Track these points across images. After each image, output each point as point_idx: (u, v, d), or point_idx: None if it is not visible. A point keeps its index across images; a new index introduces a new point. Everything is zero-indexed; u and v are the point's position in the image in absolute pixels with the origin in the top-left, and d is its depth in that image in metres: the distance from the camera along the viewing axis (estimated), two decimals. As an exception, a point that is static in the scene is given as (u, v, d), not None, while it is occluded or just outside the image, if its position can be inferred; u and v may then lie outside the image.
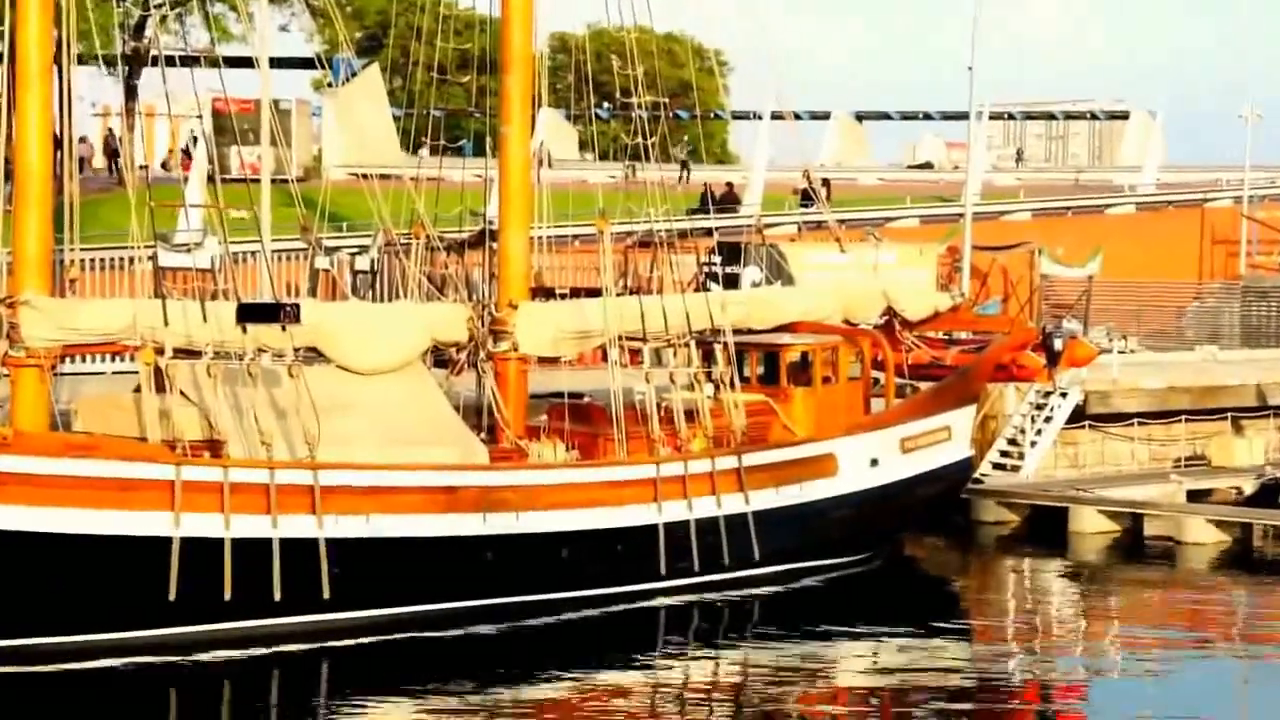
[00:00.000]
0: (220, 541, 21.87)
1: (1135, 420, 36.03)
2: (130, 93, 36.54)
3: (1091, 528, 32.44)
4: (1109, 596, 29.36)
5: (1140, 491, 33.61)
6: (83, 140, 43.24)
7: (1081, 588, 29.89)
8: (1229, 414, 37.13)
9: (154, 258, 24.41)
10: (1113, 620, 27.71)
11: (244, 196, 26.77)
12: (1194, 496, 33.95)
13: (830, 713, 21.49)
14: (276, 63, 43.43)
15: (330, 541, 22.52)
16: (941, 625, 26.62)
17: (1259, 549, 31.29)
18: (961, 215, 44.43)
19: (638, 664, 23.09)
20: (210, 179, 27.24)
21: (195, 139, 41.06)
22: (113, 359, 29.82)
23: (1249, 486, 34.70)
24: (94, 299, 25.76)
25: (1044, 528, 32.55)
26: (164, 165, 42.04)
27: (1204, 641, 26.11)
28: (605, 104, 36.28)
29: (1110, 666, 24.54)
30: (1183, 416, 36.54)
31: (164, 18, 27.69)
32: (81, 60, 25.61)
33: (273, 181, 34.68)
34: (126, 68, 27.86)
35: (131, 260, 24.96)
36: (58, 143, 23.90)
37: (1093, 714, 22.06)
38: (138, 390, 22.92)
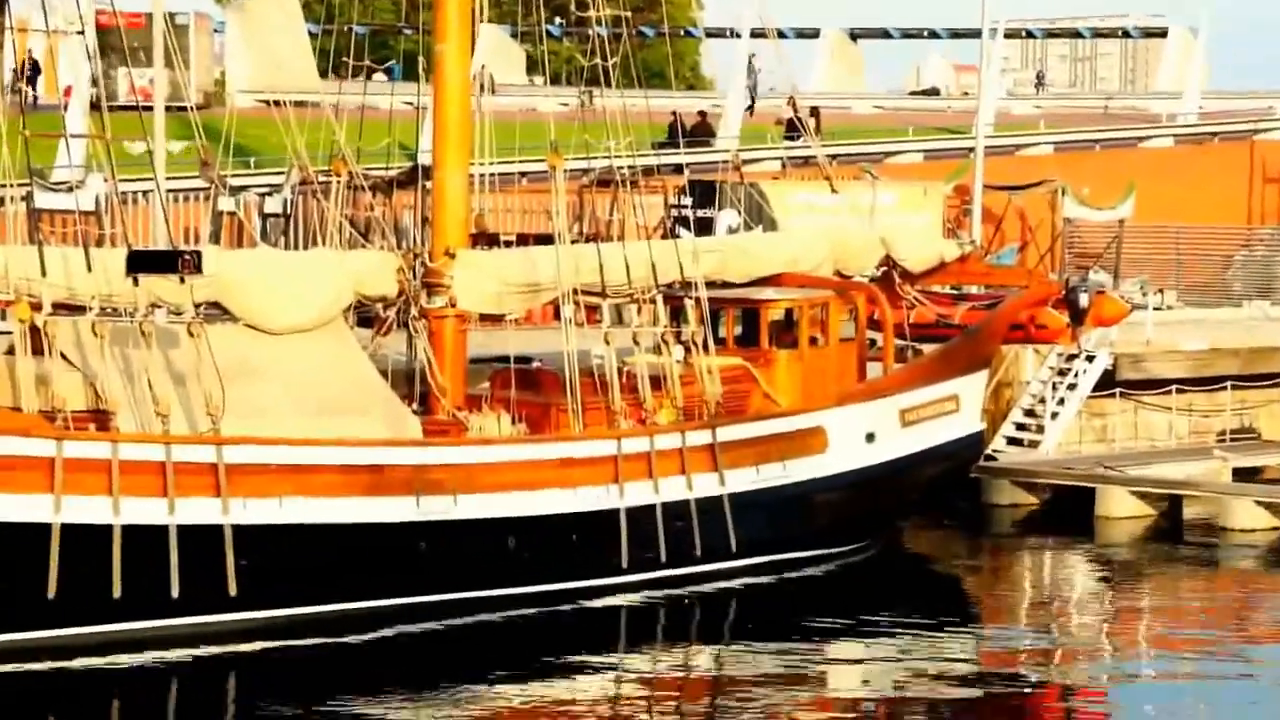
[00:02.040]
0: (108, 529, 21.94)
1: (1173, 388, 36.36)
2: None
3: (1122, 511, 32.81)
4: (1141, 591, 29.73)
5: (1179, 469, 34.00)
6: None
7: (1109, 581, 30.23)
8: (1281, 381, 37.54)
9: (28, 198, 24.43)
10: (1144, 618, 28.06)
11: (135, 126, 26.76)
12: (1241, 475, 34.31)
13: (819, 722, 21.73)
14: (171, -30, 43.25)
15: (237, 529, 22.61)
16: (946, 625, 26.88)
17: (1315, 536, 31.68)
18: (972, 150, 44.63)
19: (594, 670, 23.32)
20: (94, 106, 27.21)
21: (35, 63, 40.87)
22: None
23: (1303, 464, 35.17)
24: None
25: (1067, 511, 32.91)
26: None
27: (1250, 643, 26.42)
28: (557, 19, 36.36)
29: (1139, 671, 24.82)
30: (1228, 383, 36.89)
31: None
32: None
33: (168, 109, 34.63)
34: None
35: (1, 201, 24.91)
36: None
37: (1121, 722, 22.33)
38: (10, 352, 22.88)
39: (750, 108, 55.07)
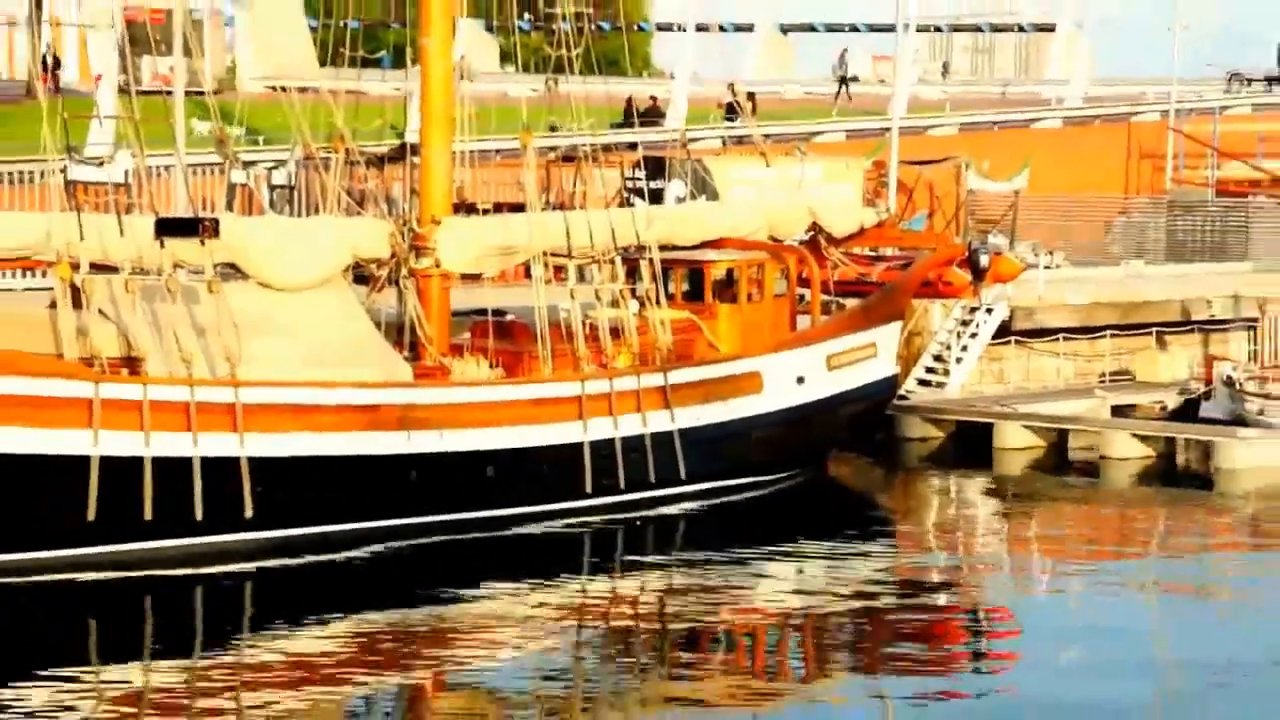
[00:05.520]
0: (140, 460, 21.93)
1: (1060, 336, 36.37)
2: (38, 2, 36.14)
3: (1016, 443, 32.86)
4: (1033, 512, 29.87)
5: (1065, 407, 34.07)
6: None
7: (1006, 504, 30.38)
8: (1153, 329, 37.55)
9: (64, 170, 24.32)
10: (1038, 535, 28.22)
11: (158, 109, 26.61)
12: (1118, 412, 34.43)
13: (754, 629, 21.85)
14: (188, -30, 42.93)
15: (252, 460, 22.61)
16: (866, 543, 27.07)
17: (1182, 463, 31.84)
18: (888, 130, 44.60)
19: (562, 583, 23.39)
20: (123, 90, 27.05)
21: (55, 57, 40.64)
22: (24, 274, 29.70)
23: (1172, 401, 35.19)
24: (5, 212, 25.60)
25: (969, 444, 32.94)
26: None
27: (1127, 555, 26.66)
28: (527, 14, 36.13)
29: (1035, 582, 25.04)
30: (1107, 332, 36.90)
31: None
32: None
33: (186, 93, 34.40)
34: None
35: (45, 174, 24.79)
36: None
37: (1019, 629, 22.42)
38: (53, 306, 22.82)
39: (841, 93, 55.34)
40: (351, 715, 18.02)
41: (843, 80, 56.40)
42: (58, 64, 43.19)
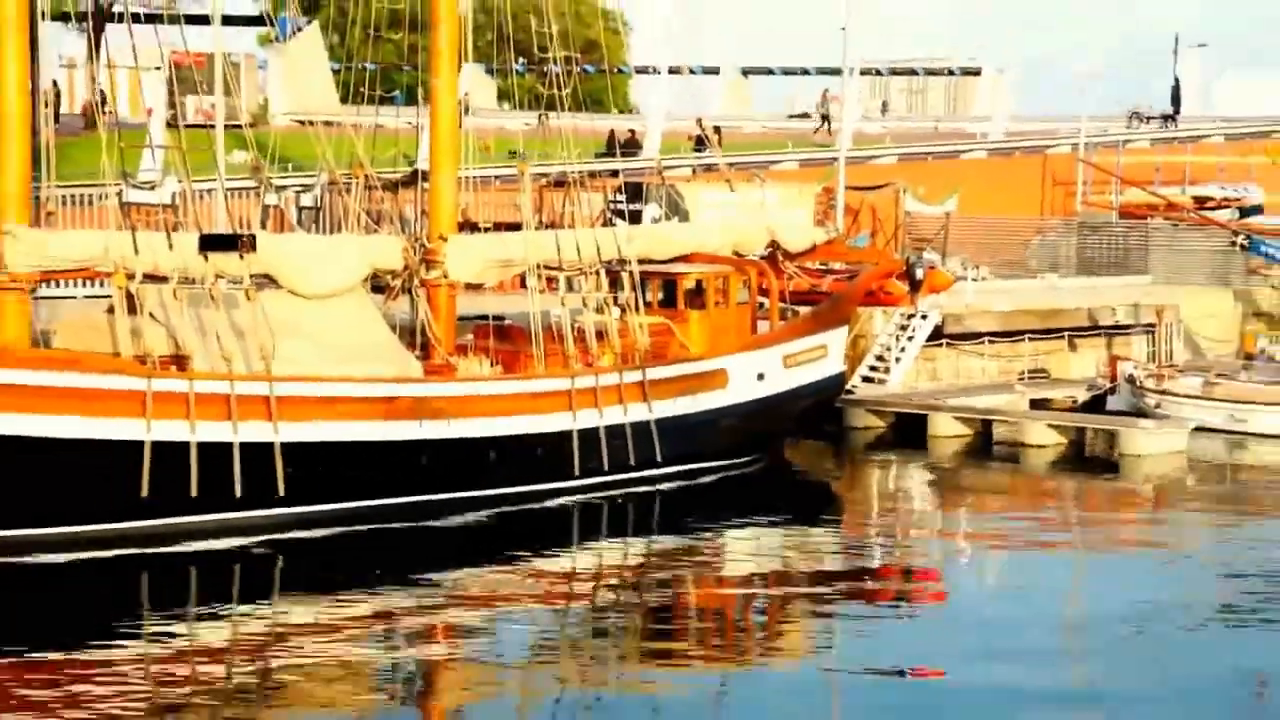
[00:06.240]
0: (186, 445, 21.98)
1: (986, 339, 36.56)
2: (95, 46, 36.09)
3: (947, 432, 33.03)
4: (962, 491, 30.01)
5: (989, 401, 34.23)
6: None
7: (939, 484, 30.46)
8: (1066, 334, 37.80)
9: (120, 193, 24.36)
10: (966, 510, 28.35)
11: (201, 140, 26.61)
12: (1035, 405, 34.61)
13: (721, 591, 21.93)
14: (226, 20, 42.93)
15: (284, 445, 22.65)
16: (817, 517, 27.20)
17: (1090, 449, 32.00)
18: (835, 160, 44.74)
19: (554, 551, 23.47)
20: (171, 124, 27.10)
21: (103, 94, 40.51)
22: (85, 284, 29.70)
23: (1082, 395, 35.44)
24: (70, 230, 25.59)
25: (907, 432, 33.06)
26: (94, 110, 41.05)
27: (1043, 525, 26.82)
28: (521, 59, 36.19)
29: (963, 549, 25.18)
30: (1026, 336, 37.14)
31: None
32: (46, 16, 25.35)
33: (226, 127, 34.40)
34: (92, 23, 27.51)
35: (103, 196, 24.80)
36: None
37: (947, 590, 22.60)
38: (111, 311, 22.84)
39: (822, 128, 55.52)
40: (369, 671, 18.04)
41: (824, 117, 56.50)
42: (104, 101, 43.18)
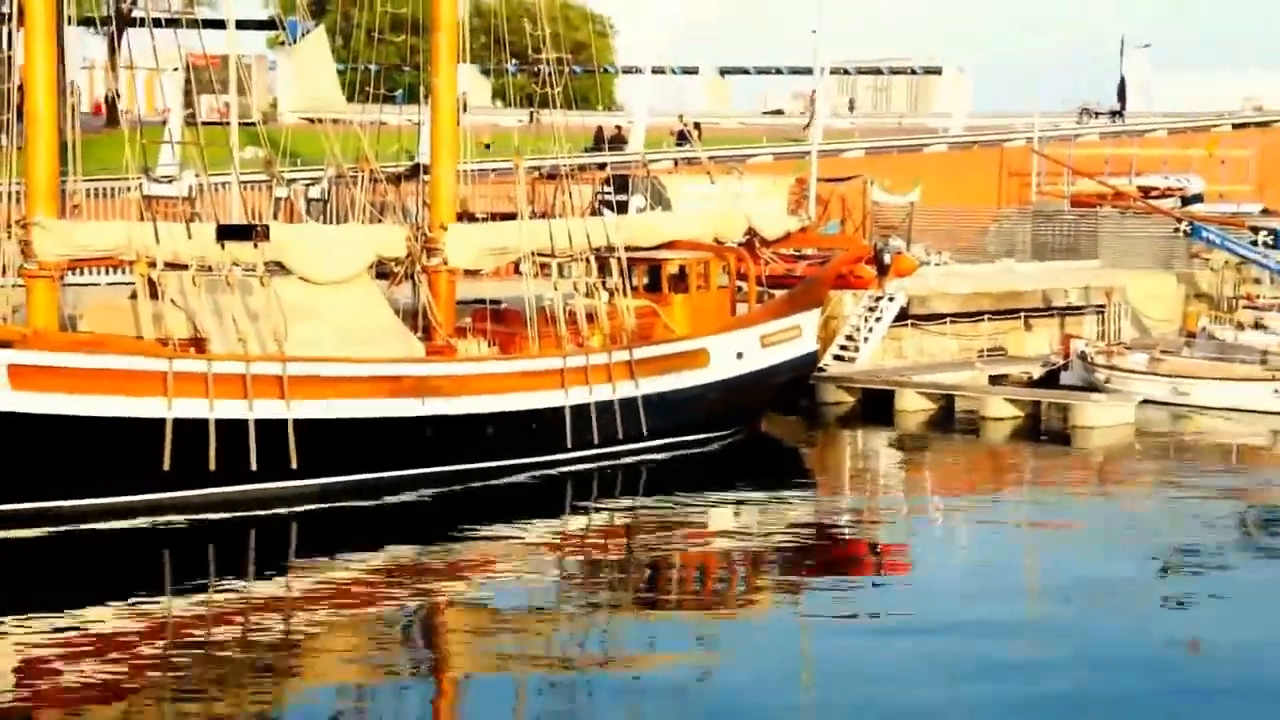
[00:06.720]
0: (205, 421, 21.86)
1: (948, 319, 36.57)
2: (114, 49, 35.88)
3: (913, 406, 32.97)
4: (926, 461, 30.02)
5: (951, 377, 34.20)
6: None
7: (905, 455, 30.50)
8: (1022, 314, 37.81)
9: (140, 187, 24.22)
10: (930, 479, 28.37)
11: (217, 136, 26.45)
12: (994, 380, 34.59)
13: (703, 556, 21.91)
14: (240, 24, 42.66)
15: (296, 421, 22.55)
16: (792, 486, 27.18)
17: (1045, 422, 32.01)
18: (808, 153, 44.68)
19: (549, 519, 23.40)
20: (188, 121, 26.93)
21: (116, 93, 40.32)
22: (109, 271, 29.52)
23: (1037, 372, 35.48)
24: (94, 221, 25.43)
25: (875, 407, 33.00)
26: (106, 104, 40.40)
27: (1001, 493, 26.83)
28: (514, 60, 36.04)
29: (928, 515, 25.15)
30: (985, 316, 37.15)
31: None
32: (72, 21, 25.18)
33: (239, 124, 34.20)
34: (113, 27, 27.33)
35: (126, 189, 24.63)
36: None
37: (914, 553, 22.55)
38: (134, 297, 22.73)
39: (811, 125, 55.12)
40: (380, 629, 17.99)
41: (811, 115, 56.33)
42: (116, 99, 42.92)
